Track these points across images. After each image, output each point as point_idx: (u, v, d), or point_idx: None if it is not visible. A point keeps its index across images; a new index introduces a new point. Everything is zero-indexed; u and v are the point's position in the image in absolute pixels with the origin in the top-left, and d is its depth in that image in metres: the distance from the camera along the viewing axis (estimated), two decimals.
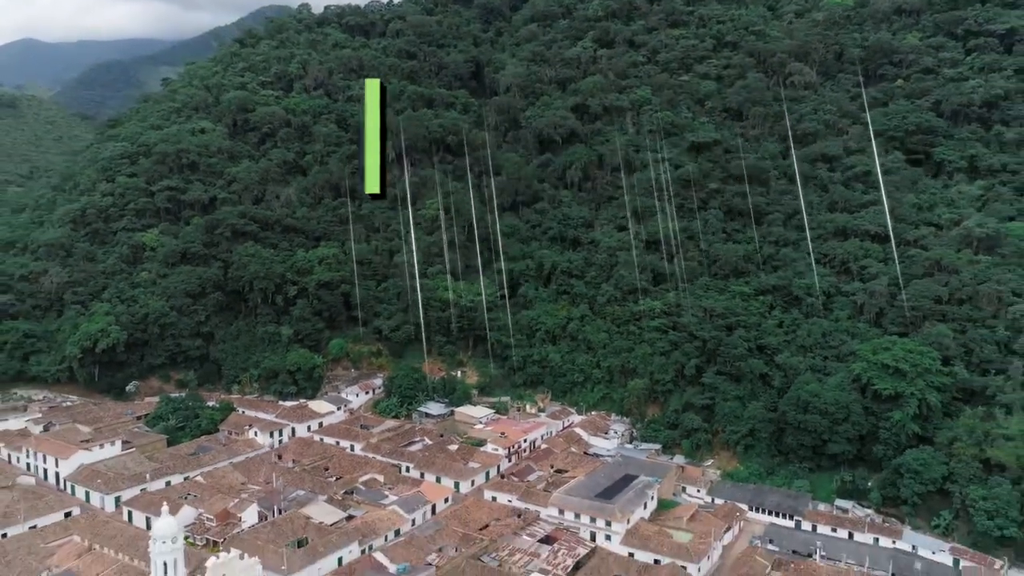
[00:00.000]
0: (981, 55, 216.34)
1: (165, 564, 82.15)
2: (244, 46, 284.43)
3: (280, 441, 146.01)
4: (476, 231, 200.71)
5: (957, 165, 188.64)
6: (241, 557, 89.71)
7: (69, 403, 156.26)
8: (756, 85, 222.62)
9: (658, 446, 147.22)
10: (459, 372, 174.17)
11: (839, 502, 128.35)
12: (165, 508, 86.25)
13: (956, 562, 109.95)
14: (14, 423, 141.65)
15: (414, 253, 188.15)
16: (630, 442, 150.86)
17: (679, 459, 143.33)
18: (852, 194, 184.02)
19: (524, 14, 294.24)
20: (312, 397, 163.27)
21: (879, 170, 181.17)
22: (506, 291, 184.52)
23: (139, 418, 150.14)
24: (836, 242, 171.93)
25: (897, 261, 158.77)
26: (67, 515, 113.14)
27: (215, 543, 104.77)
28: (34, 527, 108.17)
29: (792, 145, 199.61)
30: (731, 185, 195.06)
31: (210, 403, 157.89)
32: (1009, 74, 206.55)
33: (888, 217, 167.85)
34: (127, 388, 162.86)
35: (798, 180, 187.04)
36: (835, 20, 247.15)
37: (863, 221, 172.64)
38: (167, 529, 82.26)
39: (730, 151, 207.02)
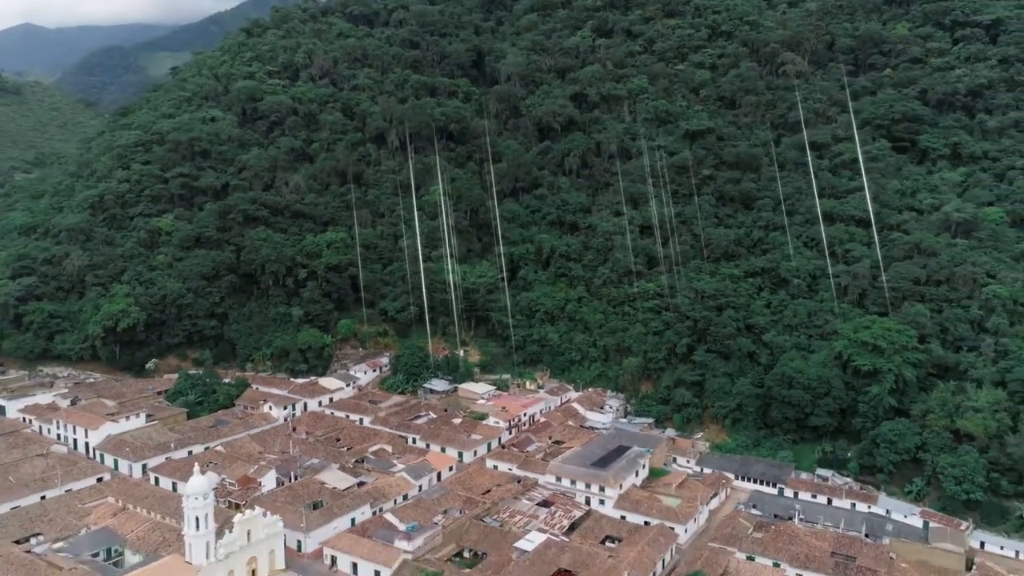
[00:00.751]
0: (967, 45, 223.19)
1: (197, 519, 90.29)
2: (251, 36, 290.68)
3: (293, 415, 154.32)
4: (478, 216, 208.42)
5: (941, 152, 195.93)
6: (264, 515, 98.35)
7: (92, 380, 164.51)
8: (749, 74, 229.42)
9: (651, 420, 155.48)
10: (462, 351, 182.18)
11: (820, 471, 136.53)
12: (197, 468, 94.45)
13: (926, 524, 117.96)
14: (42, 398, 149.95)
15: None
16: (624, 416, 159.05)
17: (670, 432, 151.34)
18: (839, 180, 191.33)
19: (524, 4, 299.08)
20: (322, 374, 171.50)
21: (861, 158, 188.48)
22: (506, 274, 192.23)
23: (159, 393, 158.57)
24: (823, 226, 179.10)
25: (878, 245, 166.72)
26: (99, 480, 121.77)
27: (237, 505, 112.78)
28: (69, 490, 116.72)
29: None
30: (723, 172, 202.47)
31: (226, 380, 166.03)
32: (993, 63, 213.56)
33: (870, 203, 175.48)
34: (147, 366, 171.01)
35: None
36: (827, 10, 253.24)
37: (848, 206, 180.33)
38: (199, 486, 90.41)
39: (723, 139, 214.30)
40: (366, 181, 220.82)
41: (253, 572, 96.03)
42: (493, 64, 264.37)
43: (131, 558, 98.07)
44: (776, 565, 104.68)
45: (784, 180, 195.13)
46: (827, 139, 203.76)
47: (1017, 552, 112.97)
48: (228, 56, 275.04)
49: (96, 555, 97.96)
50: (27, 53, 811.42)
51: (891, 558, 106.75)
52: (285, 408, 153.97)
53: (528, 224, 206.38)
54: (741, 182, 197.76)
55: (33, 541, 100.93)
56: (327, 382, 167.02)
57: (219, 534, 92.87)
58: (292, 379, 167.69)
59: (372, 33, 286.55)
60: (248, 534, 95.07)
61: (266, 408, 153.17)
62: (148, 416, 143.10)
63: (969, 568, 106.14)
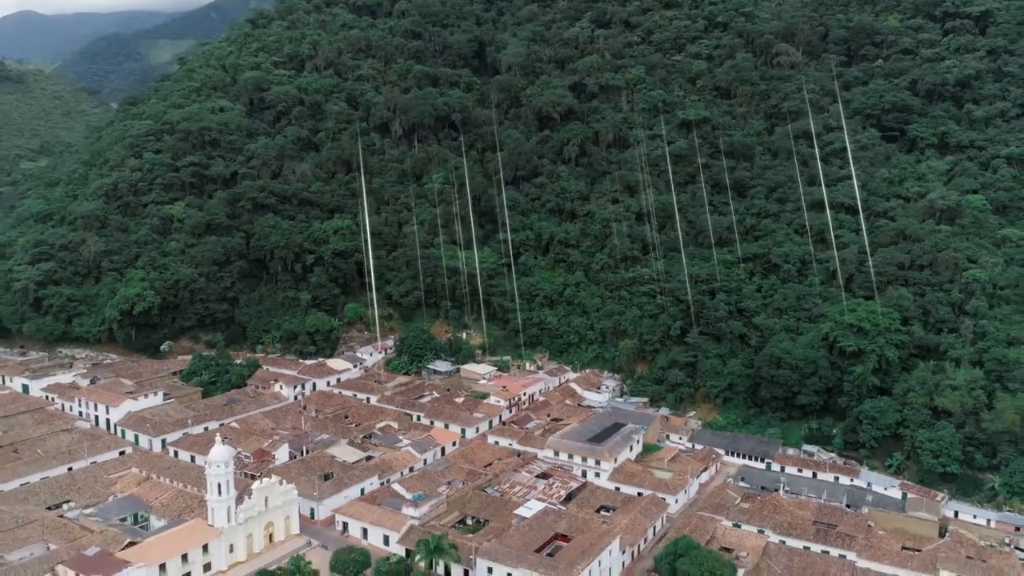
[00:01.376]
0: (957, 36, 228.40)
1: (219, 485, 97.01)
2: (256, 27, 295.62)
3: (303, 394, 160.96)
4: (480, 204, 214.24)
5: (929, 141, 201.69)
6: (280, 484, 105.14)
7: (110, 361, 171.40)
8: (744, 65, 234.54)
9: (646, 399, 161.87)
10: (464, 334, 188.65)
11: (806, 447, 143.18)
12: (218, 438, 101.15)
13: (904, 495, 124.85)
14: (63, 377, 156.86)
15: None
16: (620, 396, 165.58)
17: (664, 411, 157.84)
18: (829, 169, 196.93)
19: None
20: (329, 356, 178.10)
21: (850, 148, 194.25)
22: (511, 259, 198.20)
23: (174, 374, 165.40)
24: (814, 213, 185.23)
25: (865, 231, 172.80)
26: (121, 453, 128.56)
27: (253, 476, 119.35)
28: (95, 462, 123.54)
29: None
30: (718, 160, 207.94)
31: (237, 361, 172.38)
32: (982, 55, 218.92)
33: (857, 191, 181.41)
34: (161, 348, 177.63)
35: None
36: (821, 1, 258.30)
37: (837, 194, 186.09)
38: (221, 455, 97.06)
39: (718, 128, 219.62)
40: (371, 169, 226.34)
41: (270, 536, 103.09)
42: (494, 54, 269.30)
43: (156, 523, 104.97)
44: (760, 532, 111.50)
45: (777, 169, 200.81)
46: (819, 128, 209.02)
47: (988, 520, 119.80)
48: (235, 47, 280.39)
49: (124, 520, 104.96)
50: (26, 41, 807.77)
51: (869, 526, 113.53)
52: (295, 387, 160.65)
53: (528, 211, 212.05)
54: (735, 170, 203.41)
55: (64, 507, 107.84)
56: (335, 363, 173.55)
57: (238, 500, 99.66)
58: (301, 360, 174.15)
59: (375, 24, 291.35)
60: (265, 501, 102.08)
61: (277, 387, 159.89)
62: (165, 395, 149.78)
63: (942, 535, 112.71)
